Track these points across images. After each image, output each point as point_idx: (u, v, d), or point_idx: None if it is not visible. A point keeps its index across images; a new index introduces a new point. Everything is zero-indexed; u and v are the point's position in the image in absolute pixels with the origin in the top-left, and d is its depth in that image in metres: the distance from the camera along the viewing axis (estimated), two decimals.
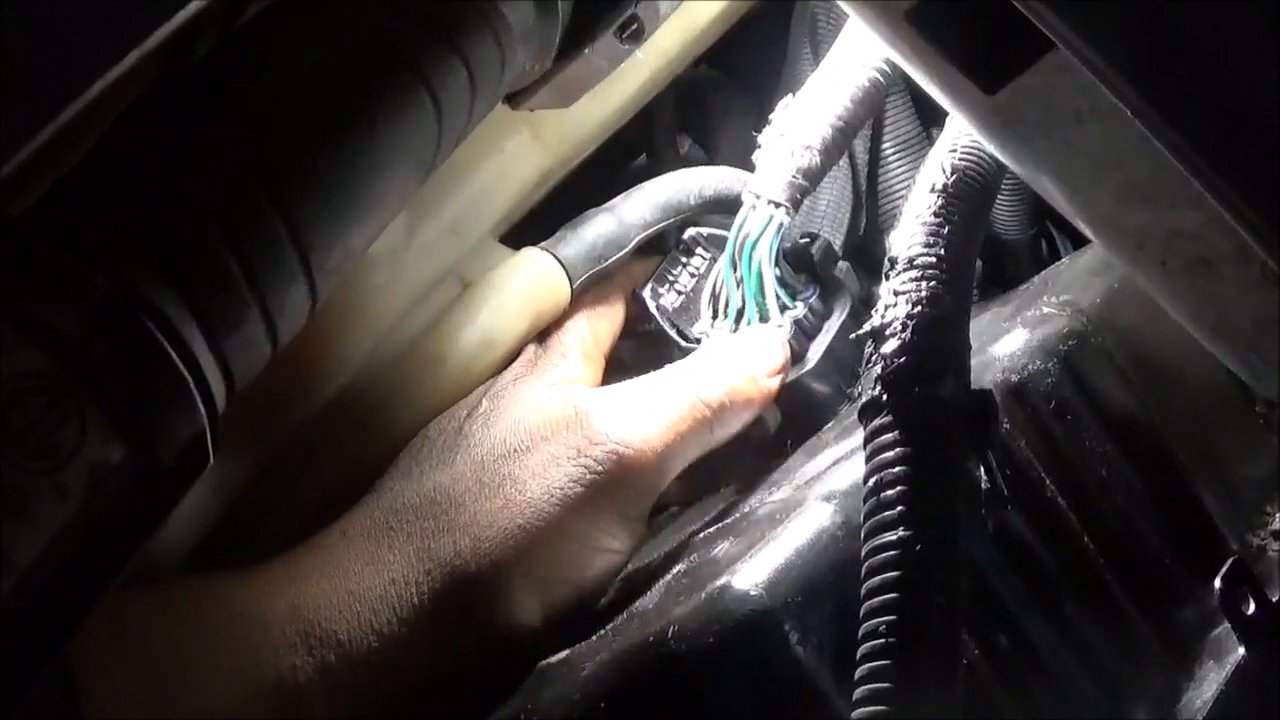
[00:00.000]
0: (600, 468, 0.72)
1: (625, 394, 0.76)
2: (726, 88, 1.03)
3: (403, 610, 0.70)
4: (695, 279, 0.86)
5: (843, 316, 0.82)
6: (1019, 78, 0.54)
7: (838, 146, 0.82)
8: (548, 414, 0.75)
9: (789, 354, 0.80)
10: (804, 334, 0.81)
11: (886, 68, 0.82)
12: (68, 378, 0.46)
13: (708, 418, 0.75)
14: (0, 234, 0.48)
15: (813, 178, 0.81)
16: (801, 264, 0.82)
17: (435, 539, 0.72)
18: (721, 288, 0.82)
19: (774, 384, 0.78)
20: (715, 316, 0.83)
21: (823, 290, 0.82)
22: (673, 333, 0.84)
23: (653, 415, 0.74)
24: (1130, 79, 0.46)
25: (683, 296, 0.86)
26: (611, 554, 0.73)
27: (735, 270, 0.81)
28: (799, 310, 0.81)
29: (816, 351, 0.81)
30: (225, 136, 0.52)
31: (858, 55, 0.83)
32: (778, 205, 0.80)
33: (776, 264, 0.80)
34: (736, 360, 0.77)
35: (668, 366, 0.79)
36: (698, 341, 0.83)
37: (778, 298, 0.80)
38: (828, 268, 0.83)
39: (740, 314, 0.82)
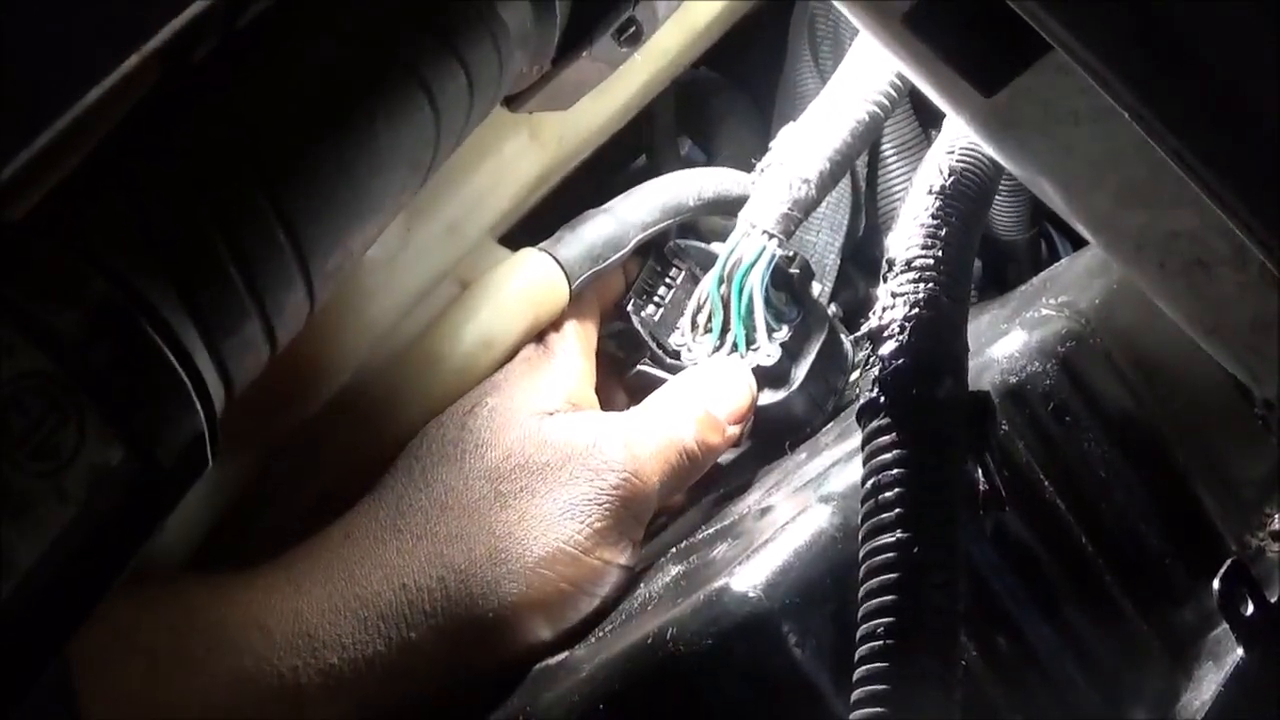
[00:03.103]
0: (615, 492, 0.73)
1: (633, 426, 0.77)
2: (726, 89, 1.04)
3: (413, 616, 0.70)
4: (671, 290, 0.88)
5: (823, 337, 0.83)
6: (1017, 79, 0.54)
7: (834, 178, 0.85)
8: (568, 435, 0.76)
9: (755, 393, 0.82)
10: (787, 354, 0.82)
11: (886, 101, 0.84)
12: (68, 380, 0.46)
13: (686, 465, 0.77)
14: (0, 235, 0.48)
15: (806, 209, 0.84)
16: (780, 281, 0.83)
17: (449, 545, 0.71)
18: (706, 303, 0.83)
19: (735, 430, 0.81)
20: (695, 329, 0.85)
21: (803, 310, 0.83)
22: (653, 344, 0.86)
23: (652, 451, 0.76)
24: (1127, 82, 0.46)
25: (661, 308, 0.87)
26: (619, 569, 0.73)
27: (721, 289, 0.82)
28: (785, 334, 0.82)
29: (800, 372, 0.82)
30: (224, 139, 0.52)
31: (860, 85, 0.85)
32: (771, 236, 0.82)
33: (764, 289, 0.82)
34: (704, 406, 0.80)
35: (654, 398, 0.81)
36: (675, 354, 0.85)
37: (765, 321, 0.82)
38: (805, 286, 0.84)
39: (724, 331, 0.83)
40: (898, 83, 0.84)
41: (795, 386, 0.82)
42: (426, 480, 0.75)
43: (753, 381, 0.82)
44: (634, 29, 0.68)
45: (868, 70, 0.85)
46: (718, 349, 0.83)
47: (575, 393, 0.80)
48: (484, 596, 0.70)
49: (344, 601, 0.70)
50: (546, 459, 0.74)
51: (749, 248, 0.82)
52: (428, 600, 0.70)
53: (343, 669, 0.68)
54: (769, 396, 0.82)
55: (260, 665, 0.67)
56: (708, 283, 0.84)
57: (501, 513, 0.72)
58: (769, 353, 0.82)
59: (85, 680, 0.59)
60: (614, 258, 0.85)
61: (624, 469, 0.74)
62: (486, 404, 0.78)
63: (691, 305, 0.86)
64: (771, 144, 0.86)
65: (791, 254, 0.84)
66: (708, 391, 0.80)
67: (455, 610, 0.70)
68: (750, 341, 0.82)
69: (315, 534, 0.74)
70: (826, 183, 0.84)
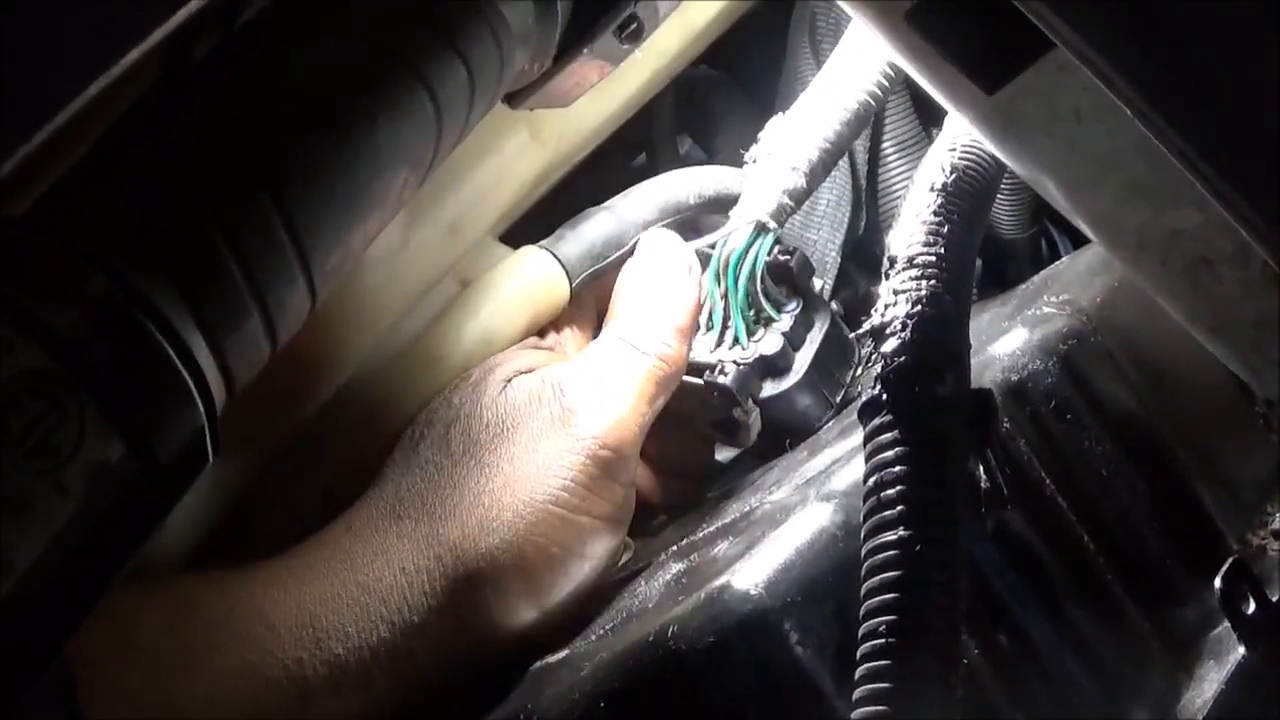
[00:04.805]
0: (586, 436, 0.73)
1: (592, 363, 0.77)
2: (726, 87, 1.04)
3: (414, 598, 0.70)
4: None
5: (825, 328, 0.83)
6: (1019, 77, 0.54)
7: (825, 167, 0.84)
8: (528, 389, 0.76)
9: (694, 265, 0.82)
10: (789, 345, 0.82)
11: (878, 90, 0.84)
12: (67, 378, 0.46)
13: (667, 372, 0.78)
14: (0, 234, 0.48)
15: (798, 198, 0.83)
16: (780, 277, 0.83)
17: (442, 523, 0.72)
18: (705, 300, 0.83)
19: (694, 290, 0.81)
20: (697, 327, 0.84)
21: (803, 302, 0.83)
22: None
23: (620, 383, 0.76)
24: (1131, 79, 0.46)
25: None
26: (610, 523, 0.73)
27: (719, 284, 0.82)
28: (785, 323, 0.82)
29: (803, 363, 0.82)
30: (225, 136, 0.52)
31: (851, 74, 0.84)
32: (763, 225, 0.81)
33: (760, 279, 0.81)
34: (659, 316, 0.79)
35: (611, 328, 0.80)
36: None
37: (764, 312, 0.82)
38: (805, 281, 0.84)
39: (725, 326, 0.83)
40: (889, 71, 0.83)
41: (799, 377, 0.82)
42: (420, 464, 0.75)
43: (669, 242, 0.83)
44: (635, 26, 0.68)
45: (858, 60, 0.84)
46: (719, 344, 0.83)
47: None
48: (479, 570, 0.70)
49: (345, 590, 0.70)
50: (516, 421, 0.74)
51: (741, 238, 0.82)
52: (427, 581, 0.70)
53: (347, 659, 0.68)
54: (773, 388, 0.82)
55: (265, 659, 0.67)
56: (705, 279, 0.84)
57: (487, 482, 0.73)
58: (771, 342, 0.81)
59: (86, 677, 0.59)
60: (614, 256, 0.85)
61: (590, 411, 0.74)
62: (470, 376, 0.78)
63: None
64: (760, 135, 0.86)
65: (791, 249, 0.84)
66: (651, 304, 0.80)
67: (453, 587, 0.70)
68: (751, 333, 0.82)
69: (317, 532, 0.74)
70: (817, 171, 0.83)
